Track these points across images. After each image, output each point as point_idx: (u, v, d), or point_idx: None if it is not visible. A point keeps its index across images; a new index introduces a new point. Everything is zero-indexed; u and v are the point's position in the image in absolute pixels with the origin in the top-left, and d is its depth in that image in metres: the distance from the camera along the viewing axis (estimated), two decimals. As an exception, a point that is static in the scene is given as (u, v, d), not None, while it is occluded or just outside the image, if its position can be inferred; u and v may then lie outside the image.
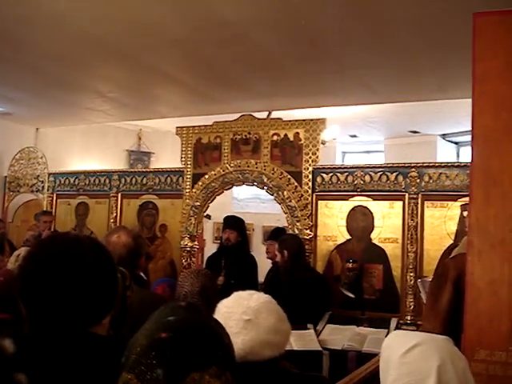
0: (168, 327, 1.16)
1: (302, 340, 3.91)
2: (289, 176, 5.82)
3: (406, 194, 5.38)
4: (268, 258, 6.06)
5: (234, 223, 5.98)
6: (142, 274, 3.92)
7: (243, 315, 1.79)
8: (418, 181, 5.34)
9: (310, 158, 5.77)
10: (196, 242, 6.30)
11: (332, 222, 5.72)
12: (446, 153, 10.31)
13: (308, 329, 4.22)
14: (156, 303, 2.80)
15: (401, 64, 5.22)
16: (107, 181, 7.10)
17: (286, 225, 5.98)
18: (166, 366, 1.09)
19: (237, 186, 6.47)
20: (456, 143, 10.65)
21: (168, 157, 9.52)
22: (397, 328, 4.30)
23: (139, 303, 2.64)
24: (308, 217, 5.68)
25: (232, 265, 5.64)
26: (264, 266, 6.10)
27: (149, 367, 1.09)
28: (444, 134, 10.33)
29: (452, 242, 5.04)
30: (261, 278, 6.03)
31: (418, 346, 1.49)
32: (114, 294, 1.51)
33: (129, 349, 1.17)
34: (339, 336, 4.27)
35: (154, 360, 1.10)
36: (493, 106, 2.11)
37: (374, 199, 5.55)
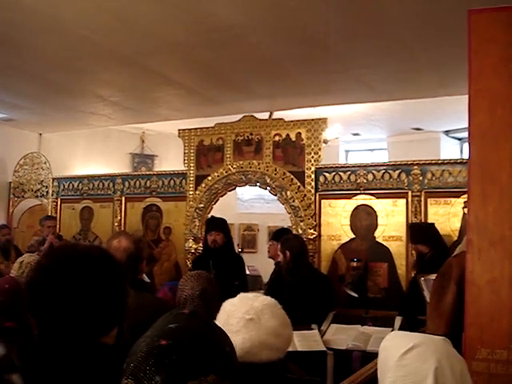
0: (168, 334, 1.16)
1: (306, 340, 3.90)
2: (291, 176, 5.82)
3: (409, 192, 5.38)
4: (269, 257, 6.04)
5: (220, 225, 5.68)
6: (145, 277, 3.94)
7: (246, 314, 1.79)
8: (421, 178, 5.33)
9: (313, 157, 5.77)
10: (200, 244, 6.30)
11: (336, 221, 5.72)
12: (449, 149, 10.29)
13: (312, 329, 4.21)
14: (154, 307, 2.82)
15: (400, 62, 5.22)
16: (111, 184, 7.12)
17: (290, 225, 5.98)
18: (165, 373, 1.09)
19: (240, 186, 6.49)
20: (459, 139, 10.62)
21: (171, 159, 9.55)
22: (401, 326, 4.27)
23: (136, 307, 2.66)
24: (311, 216, 5.68)
25: (231, 265, 5.48)
26: (270, 266, 6.09)
27: (147, 374, 1.10)
28: (447, 131, 10.31)
29: (456, 238, 5.04)
30: (265, 278, 6.02)
31: (415, 348, 1.49)
32: (124, 304, 1.51)
33: (130, 355, 1.17)
34: (344, 336, 4.26)
35: (152, 367, 1.10)
36: (488, 103, 2.11)
37: (378, 197, 5.55)
